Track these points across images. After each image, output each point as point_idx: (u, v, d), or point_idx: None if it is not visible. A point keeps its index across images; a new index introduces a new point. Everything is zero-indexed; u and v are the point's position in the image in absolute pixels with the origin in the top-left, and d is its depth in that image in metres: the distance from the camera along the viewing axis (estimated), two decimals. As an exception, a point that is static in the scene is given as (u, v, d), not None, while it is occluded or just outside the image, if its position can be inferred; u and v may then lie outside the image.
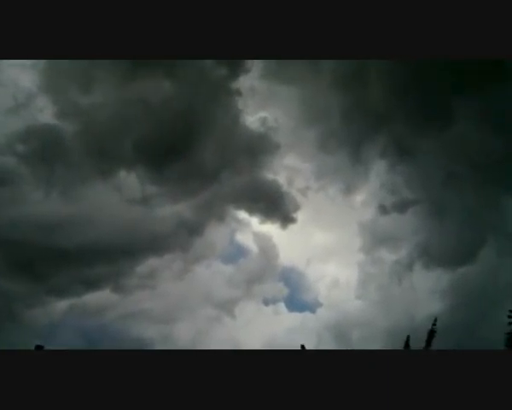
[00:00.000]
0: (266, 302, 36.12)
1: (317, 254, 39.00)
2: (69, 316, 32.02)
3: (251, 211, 35.71)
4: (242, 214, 36.34)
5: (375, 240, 34.49)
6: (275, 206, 34.95)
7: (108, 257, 32.37)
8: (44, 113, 31.21)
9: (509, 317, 9.90)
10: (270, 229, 36.50)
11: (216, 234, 36.28)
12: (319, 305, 35.03)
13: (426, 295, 30.16)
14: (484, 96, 30.50)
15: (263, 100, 35.15)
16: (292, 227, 35.07)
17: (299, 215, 34.78)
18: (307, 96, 34.39)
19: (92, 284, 32.08)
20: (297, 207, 34.63)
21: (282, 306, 35.63)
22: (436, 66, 28.73)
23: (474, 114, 31.45)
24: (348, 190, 35.70)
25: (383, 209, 33.52)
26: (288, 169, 35.98)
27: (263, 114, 34.88)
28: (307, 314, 34.87)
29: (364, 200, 35.93)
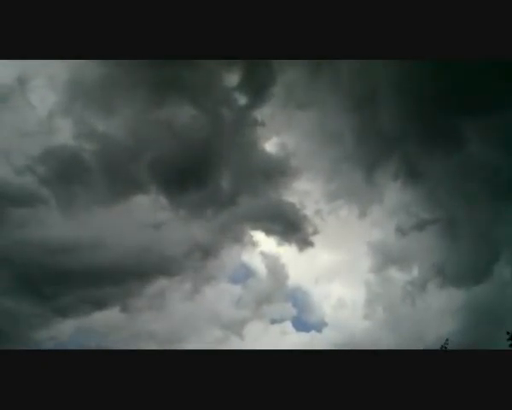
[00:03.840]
0: (273, 322, 36.05)
1: (330, 275, 39.05)
2: (76, 336, 32.22)
3: (267, 234, 35.59)
4: (258, 236, 36.47)
5: (388, 261, 34.39)
6: (292, 229, 34.71)
7: (118, 278, 32.45)
8: (63, 134, 31.27)
9: (509, 339, 9.07)
10: (287, 251, 36.46)
11: (231, 257, 36.25)
12: (326, 325, 35.15)
13: (439, 316, 29.92)
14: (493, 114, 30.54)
15: (281, 125, 35.59)
16: (309, 250, 34.87)
17: (317, 239, 34.44)
18: (323, 120, 34.75)
19: (100, 304, 32.21)
20: (316, 231, 34.19)
21: (289, 325, 35.58)
22: (443, 83, 28.99)
23: (484, 132, 31.48)
24: (362, 211, 35.40)
25: (400, 230, 33.41)
26: (304, 193, 35.80)
27: (280, 139, 35.37)
28: (314, 334, 35.02)
29: (378, 221, 35.80)
